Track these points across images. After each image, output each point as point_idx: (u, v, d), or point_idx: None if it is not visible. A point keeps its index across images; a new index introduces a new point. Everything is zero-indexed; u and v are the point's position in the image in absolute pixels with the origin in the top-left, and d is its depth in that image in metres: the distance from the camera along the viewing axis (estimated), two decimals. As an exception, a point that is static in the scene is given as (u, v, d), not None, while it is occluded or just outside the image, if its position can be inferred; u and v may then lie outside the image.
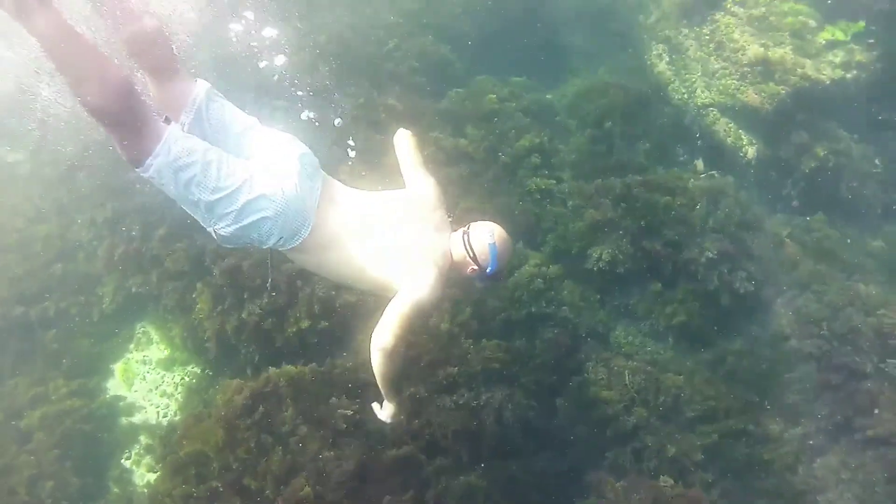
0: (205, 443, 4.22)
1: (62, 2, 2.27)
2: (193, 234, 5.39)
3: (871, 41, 6.82)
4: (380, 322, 2.65)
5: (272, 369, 4.50)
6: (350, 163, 5.22)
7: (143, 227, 5.63)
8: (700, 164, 7.15)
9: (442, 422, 4.40)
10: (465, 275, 2.99)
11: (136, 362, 5.60)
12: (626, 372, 5.16)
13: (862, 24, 6.79)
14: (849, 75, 6.76)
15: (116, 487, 4.97)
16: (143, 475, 5.04)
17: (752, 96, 6.76)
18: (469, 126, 6.68)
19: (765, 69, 6.72)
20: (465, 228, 2.99)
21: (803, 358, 5.50)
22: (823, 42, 6.87)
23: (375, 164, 5.01)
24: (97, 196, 5.99)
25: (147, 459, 5.08)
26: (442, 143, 6.22)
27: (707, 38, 7.19)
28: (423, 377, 4.59)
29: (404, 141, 3.22)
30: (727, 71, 6.92)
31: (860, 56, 6.80)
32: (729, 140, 7.01)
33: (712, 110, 7.11)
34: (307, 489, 3.85)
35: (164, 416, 5.33)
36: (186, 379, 5.46)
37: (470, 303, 5.09)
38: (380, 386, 2.75)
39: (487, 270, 2.91)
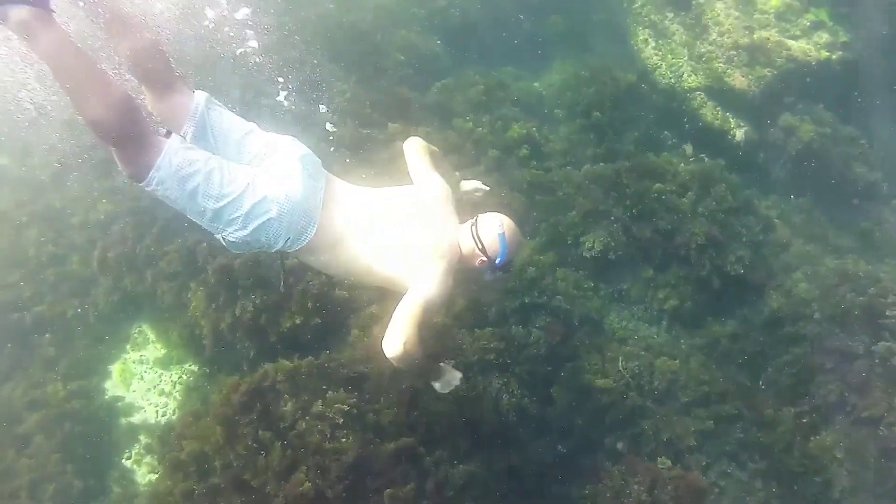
0: (204, 440, 4.23)
1: (65, 19, 2.29)
2: (186, 233, 5.41)
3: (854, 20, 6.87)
4: (389, 327, 2.62)
5: (268, 364, 4.52)
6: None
7: (135, 227, 5.63)
8: (689, 148, 7.16)
9: (440, 412, 4.44)
10: (474, 267, 2.99)
11: (134, 362, 5.61)
12: (620, 358, 5.20)
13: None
14: (834, 56, 6.79)
15: (118, 488, 4.99)
16: (145, 475, 5.06)
17: (738, 79, 6.77)
18: (457, 118, 6.69)
19: (751, 52, 6.73)
20: (473, 220, 2.99)
21: (796, 340, 5.55)
22: (808, 23, 6.89)
23: (364, 159, 5.02)
24: (89, 198, 5.98)
25: (148, 459, 5.10)
26: (430, 138, 6.20)
27: (692, 21, 7.19)
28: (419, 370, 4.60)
29: (413, 147, 3.24)
30: (713, 54, 6.92)
31: (844, 37, 6.83)
32: (717, 123, 7.03)
33: (699, 94, 7.12)
34: (307, 484, 3.87)
35: (163, 415, 5.34)
36: (184, 377, 5.48)
37: (465, 296, 5.10)
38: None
39: (497, 261, 2.91)
